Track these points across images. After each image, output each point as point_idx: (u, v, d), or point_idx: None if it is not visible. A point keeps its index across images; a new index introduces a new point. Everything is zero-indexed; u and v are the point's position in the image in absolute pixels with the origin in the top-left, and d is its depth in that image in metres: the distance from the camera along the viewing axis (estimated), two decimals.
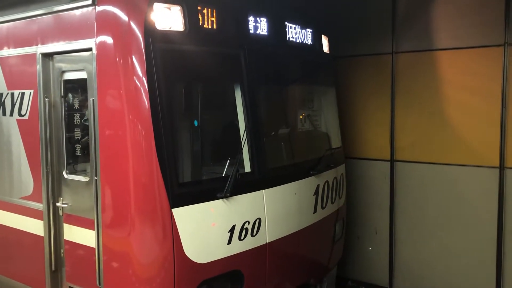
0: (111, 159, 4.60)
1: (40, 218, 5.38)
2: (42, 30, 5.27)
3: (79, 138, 5.10)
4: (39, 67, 5.23)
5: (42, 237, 5.36)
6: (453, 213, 7.03)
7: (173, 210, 4.42)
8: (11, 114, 5.68)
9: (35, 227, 5.46)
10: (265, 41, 5.52)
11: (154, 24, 4.45)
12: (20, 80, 5.57)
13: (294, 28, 5.96)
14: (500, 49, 6.51)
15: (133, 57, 4.39)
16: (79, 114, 5.11)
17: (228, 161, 4.95)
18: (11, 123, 5.70)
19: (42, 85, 5.23)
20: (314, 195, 5.99)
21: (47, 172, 5.25)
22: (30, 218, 5.53)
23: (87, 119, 4.95)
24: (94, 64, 4.62)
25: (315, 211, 6.02)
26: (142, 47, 4.38)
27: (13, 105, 5.64)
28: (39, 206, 5.38)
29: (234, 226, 4.88)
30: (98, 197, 4.68)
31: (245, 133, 5.08)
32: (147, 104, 4.37)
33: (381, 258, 7.76)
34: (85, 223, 4.97)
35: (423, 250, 7.36)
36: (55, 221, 5.31)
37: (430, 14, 7.07)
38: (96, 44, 4.59)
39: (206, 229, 4.69)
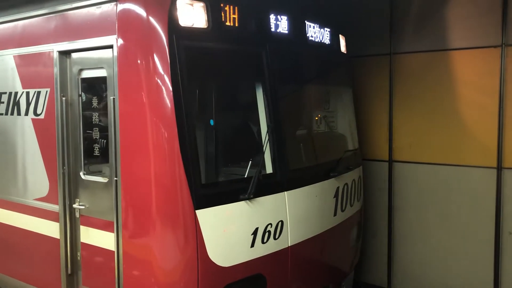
0: (132, 159, 4.46)
1: (56, 220, 5.25)
2: (59, 27, 5.15)
3: (97, 137, 4.98)
4: (56, 65, 5.11)
5: (58, 239, 5.23)
6: (451, 213, 6.98)
7: (197, 211, 4.29)
8: (26, 114, 5.56)
9: (51, 229, 5.32)
10: (286, 40, 5.41)
11: (178, 20, 4.33)
12: (36, 79, 5.45)
13: (314, 27, 5.86)
14: (497, 50, 6.47)
15: (156, 54, 4.27)
16: (97, 113, 4.98)
17: (250, 162, 4.82)
18: (26, 122, 5.57)
19: (59, 83, 5.10)
20: (334, 197, 5.87)
21: (63, 172, 5.12)
22: (45, 220, 5.40)
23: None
24: (115, 61, 4.49)
25: (335, 214, 5.89)
26: (166, 44, 4.26)
27: (28, 104, 5.52)
28: (55, 207, 5.25)
29: (257, 229, 4.74)
30: (118, 198, 4.55)
31: (267, 134, 4.96)
32: (170, 103, 4.24)
33: (380, 259, 7.70)
34: (103, 225, 4.84)
35: (422, 250, 7.31)
36: (72, 223, 5.17)
37: (427, 15, 7.03)
38: (117, 41, 4.47)
39: (229, 232, 4.56)
